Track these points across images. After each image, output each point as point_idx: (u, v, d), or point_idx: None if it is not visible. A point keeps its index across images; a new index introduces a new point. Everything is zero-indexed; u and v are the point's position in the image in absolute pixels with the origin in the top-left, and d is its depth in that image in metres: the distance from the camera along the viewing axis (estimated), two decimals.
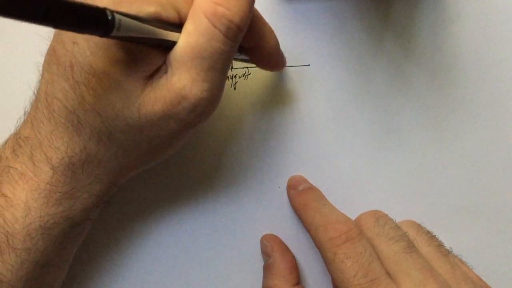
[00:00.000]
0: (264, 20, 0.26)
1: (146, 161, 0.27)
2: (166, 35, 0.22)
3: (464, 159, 0.33)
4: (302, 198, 0.31)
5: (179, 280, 0.33)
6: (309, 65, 0.32)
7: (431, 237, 0.29)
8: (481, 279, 0.28)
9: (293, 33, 0.31)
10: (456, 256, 0.29)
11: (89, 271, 0.32)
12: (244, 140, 0.32)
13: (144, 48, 0.22)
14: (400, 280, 0.26)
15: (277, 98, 0.32)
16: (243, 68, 0.32)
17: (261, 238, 0.33)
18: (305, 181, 0.32)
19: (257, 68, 0.31)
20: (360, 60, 0.32)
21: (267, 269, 0.31)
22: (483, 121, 0.33)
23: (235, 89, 0.32)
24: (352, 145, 0.33)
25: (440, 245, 0.29)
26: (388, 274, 0.26)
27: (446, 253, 0.28)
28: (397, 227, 0.29)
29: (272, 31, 0.27)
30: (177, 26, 0.22)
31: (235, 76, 0.32)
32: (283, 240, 0.33)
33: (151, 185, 0.32)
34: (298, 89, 0.32)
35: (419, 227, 0.30)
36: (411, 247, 0.27)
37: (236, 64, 0.31)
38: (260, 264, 0.33)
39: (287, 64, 0.31)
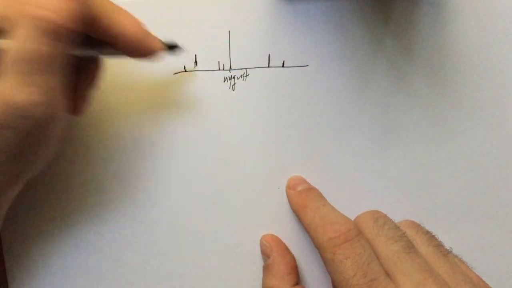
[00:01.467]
0: (116, 7, 0.25)
1: (9, 179, 0.25)
2: None
3: (464, 158, 0.33)
4: (301, 199, 0.31)
5: (179, 280, 0.33)
6: (307, 65, 0.32)
7: (430, 237, 0.29)
8: (481, 279, 0.28)
9: (293, 33, 0.31)
10: (456, 256, 0.29)
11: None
12: (243, 141, 0.32)
13: None
14: (399, 280, 0.26)
15: (275, 98, 0.32)
16: (241, 69, 0.32)
17: (261, 239, 0.33)
18: (304, 181, 0.32)
19: (256, 69, 0.31)
20: (360, 60, 0.32)
21: (267, 269, 0.31)
22: (483, 121, 0.33)
23: (233, 90, 0.32)
24: (352, 145, 0.33)
25: (439, 245, 0.29)
26: (387, 274, 0.26)
27: (445, 253, 0.28)
28: (396, 227, 0.29)
29: (130, 16, 0.25)
30: (2, 32, 0.22)
31: (234, 77, 0.32)
32: (283, 240, 0.33)
33: (149, 184, 0.32)
34: (297, 90, 0.32)
35: (418, 227, 0.30)
36: (410, 247, 0.27)
37: (234, 65, 0.32)
38: (260, 264, 0.33)
39: (286, 65, 0.32)
